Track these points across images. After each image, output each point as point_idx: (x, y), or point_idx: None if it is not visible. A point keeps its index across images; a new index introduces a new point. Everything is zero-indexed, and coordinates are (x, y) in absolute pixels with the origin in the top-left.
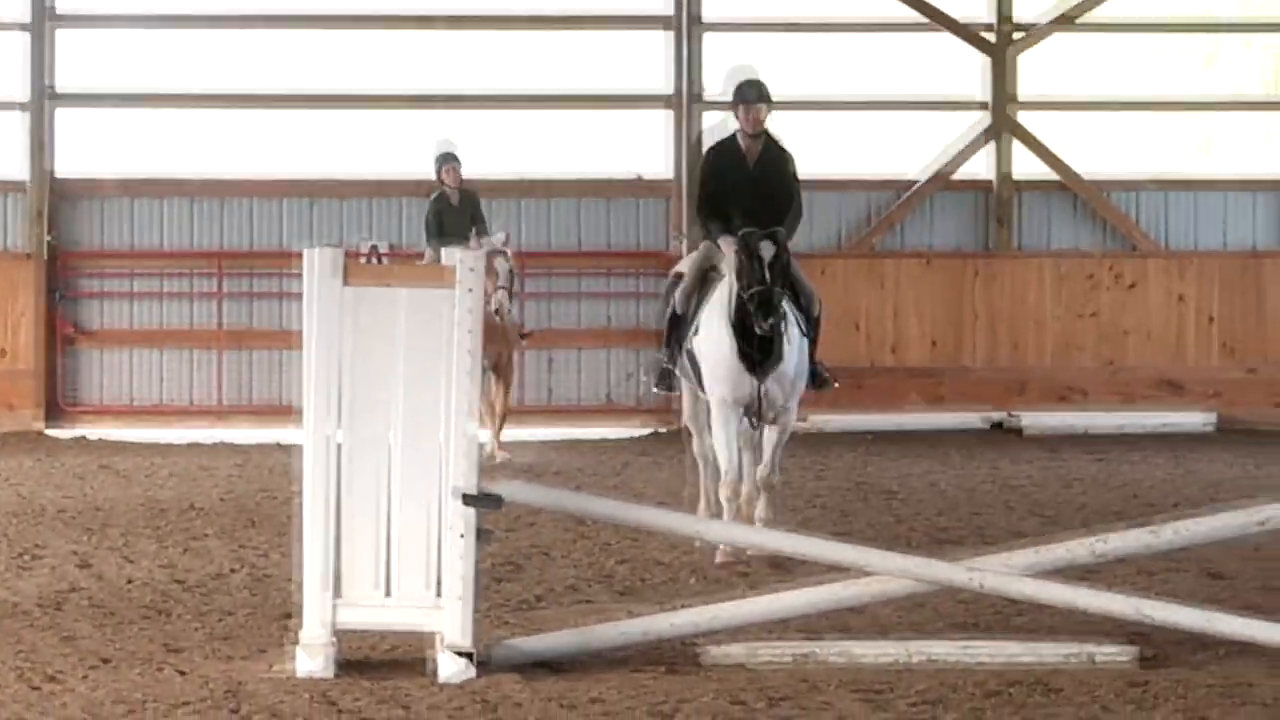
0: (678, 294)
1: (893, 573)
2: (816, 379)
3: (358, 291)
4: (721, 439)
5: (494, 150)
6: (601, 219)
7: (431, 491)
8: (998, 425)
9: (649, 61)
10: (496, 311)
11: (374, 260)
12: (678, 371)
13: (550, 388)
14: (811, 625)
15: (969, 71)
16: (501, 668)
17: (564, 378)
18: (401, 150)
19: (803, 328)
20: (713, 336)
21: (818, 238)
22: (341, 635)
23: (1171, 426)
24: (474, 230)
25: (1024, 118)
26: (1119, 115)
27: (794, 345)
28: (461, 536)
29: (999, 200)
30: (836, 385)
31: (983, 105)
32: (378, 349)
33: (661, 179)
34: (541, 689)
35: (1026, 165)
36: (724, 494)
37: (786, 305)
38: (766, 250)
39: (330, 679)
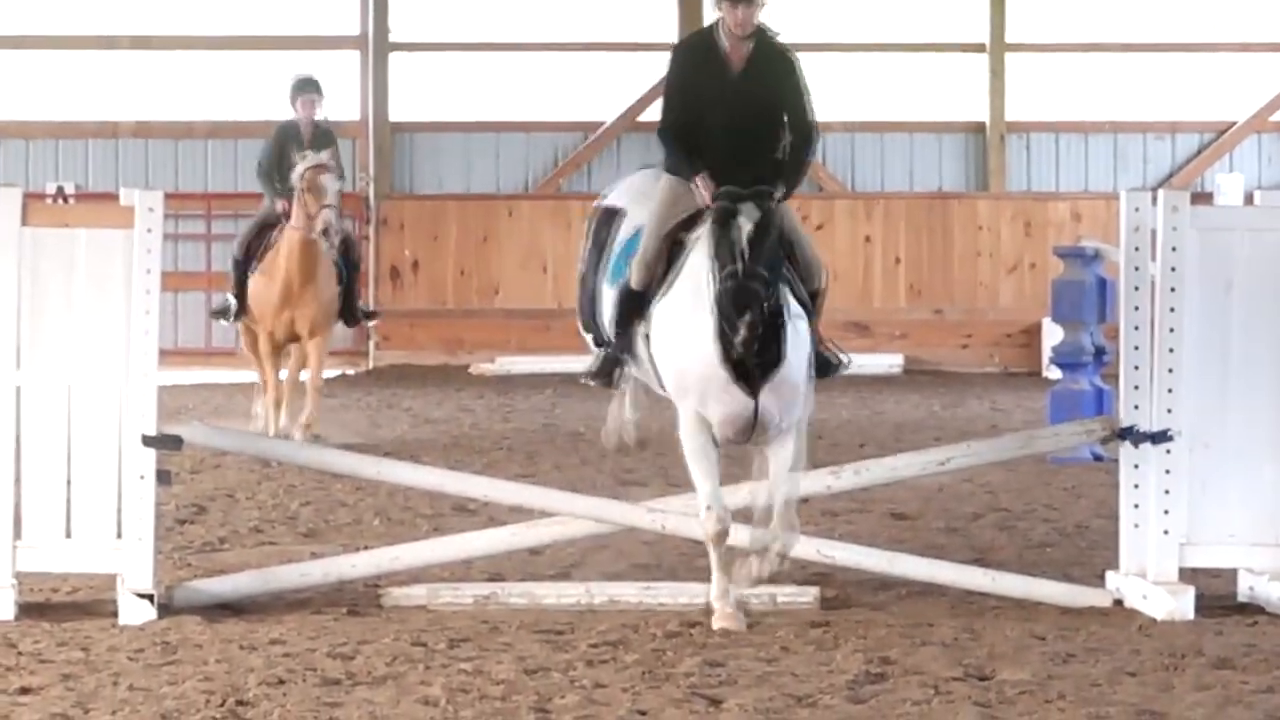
0: (635, 262)
1: (575, 514)
2: (823, 364)
3: (36, 233)
4: (699, 465)
5: (180, 93)
6: None
7: (112, 433)
8: None
9: (339, 3)
10: (324, 233)
11: (60, 202)
12: (630, 365)
13: (238, 330)
14: (495, 567)
15: (660, 14)
16: (183, 609)
17: None
18: (87, 92)
19: (806, 305)
20: (685, 329)
21: (504, 180)
22: (22, 578)
23: (858, 368)
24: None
25: None
26: (810, 58)
27: (797, 339)
28: (142, 478)
29: None
30: (847, 366)
31: (668, 47)
32: (57, 291)
33: (349, 120)
34: (223, 630)
35: None
36: (708, 536)
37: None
38: (746, 220)
39: (10, 621)
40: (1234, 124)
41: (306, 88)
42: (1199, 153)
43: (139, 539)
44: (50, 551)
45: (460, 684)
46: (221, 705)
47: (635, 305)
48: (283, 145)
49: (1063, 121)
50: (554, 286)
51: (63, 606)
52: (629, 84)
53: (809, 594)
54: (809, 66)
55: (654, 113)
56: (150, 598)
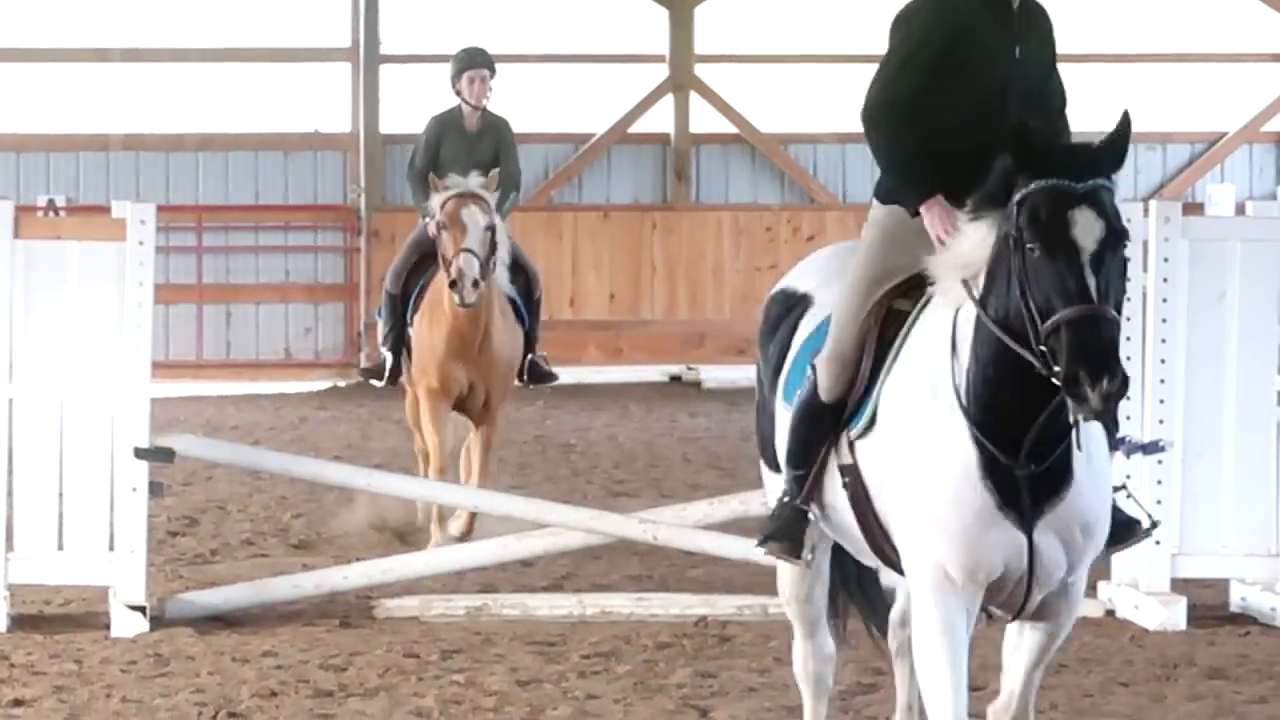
0: (824, 360)
1: (567, 525)
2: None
3: (28, 245)
4: (946, 671)
5: (172, 105)
6: (279, 173)
7: (104, 446)
8: (676, 378)
9: (329, 15)
10: (453, 285)
11: (52, 214)
12: (819, 521)
13: (229, 342)
14: (487, 579)
15: (651, 26)
16: (175, 621)
17: (242, 332)
18: (78, 104)
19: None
20: (924, 437)
21: None
22: (14, 590)
23: None
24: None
25: (705, 72)
26: (799, 69)
27: (1093, 450)
28: (134, 490)
29: (677, 154)
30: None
31: (661, 59)
32: (48, 303)
33: (340, 133)
34: (215, 642)
35: (707, 120)
36: None
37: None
38: (1090, 225)
39: (2, 633)
40: (1225, 134)
41: (476, 59)
42: (1190, 163)
43: (131, 551)
44: (42, 563)
45: (453, 695)
46: (214, 717)
47: (824, 425)
48: (438, 141)
49: None
50: (544, 298)
51: (55, 618)
52: (619, 96)
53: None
54: (801, 77)
55: (644, 125)
56: (142, 610)
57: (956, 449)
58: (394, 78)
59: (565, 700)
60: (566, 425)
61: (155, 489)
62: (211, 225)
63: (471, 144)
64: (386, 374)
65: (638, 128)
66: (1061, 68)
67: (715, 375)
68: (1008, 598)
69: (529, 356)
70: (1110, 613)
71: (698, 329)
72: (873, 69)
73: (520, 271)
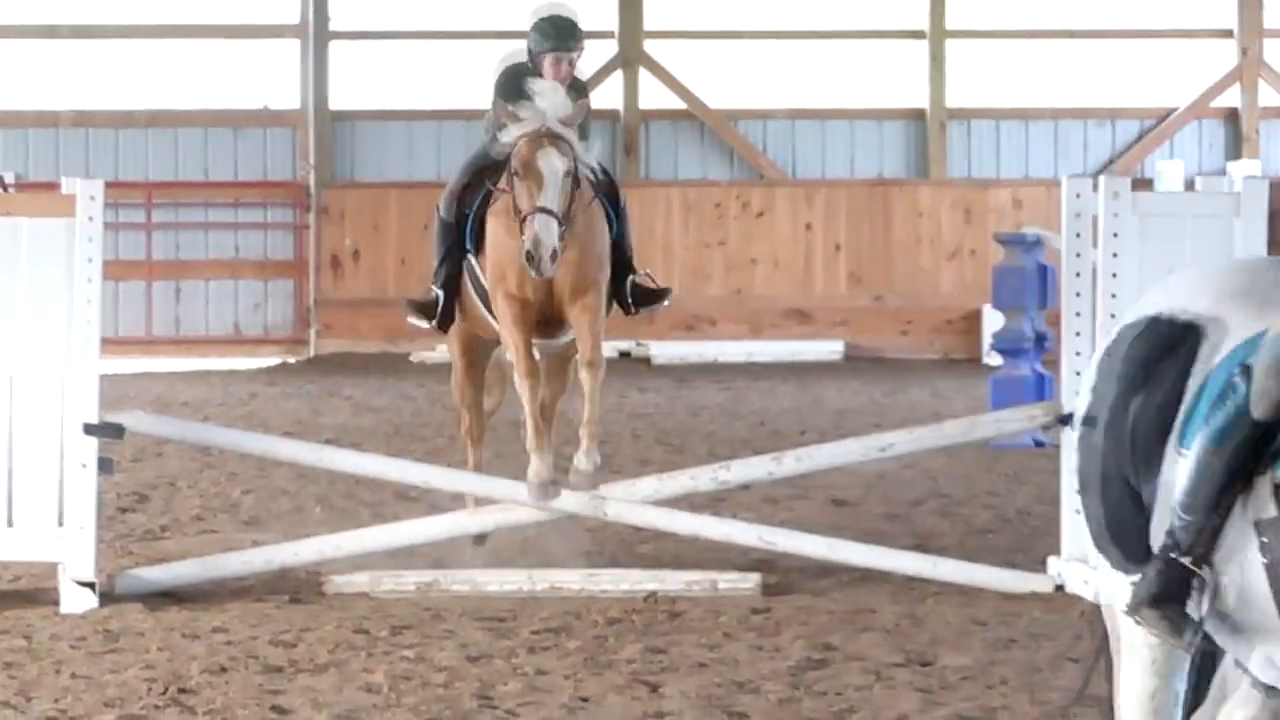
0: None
1: (517, 501)
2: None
3: None
4: None
5: (122, 82)
6: (228, 149)
7: (54, 421)
8: (625, 354)
9: None
10: (529, 257)
11: (1, 191)
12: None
13: (178, 318)
14: (437, 554)
15: (600, 2)
16: (125, 598)
17: (191, 308)
18: (27, 81)
19: None
20: None
21: (446, 168)
22: None
23: (799, 355)
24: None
25: (654, 48)
26: (749, 45)
27: None
28: (84, 466)
29: (626, 130)
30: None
31: (611, 35)
32: None
33: (289, 109)
34: (165, 618)
35: (656, 96)
36: None
37: None
38: None
39: None
40: (1174, 110)
41: (566, 38)
42: (1139, 139)
43: (80, 527)
44: None
45: (403, 671)
46: (164, 693)
47: (1241, 457)
48: (515, 88)
49: (1003, 108)
50: None
51: (4, 594)
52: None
53: (750, 580)
54: (751, 53)
55: (593, 101)
56: (92, 586)
57: None
58: (343, 54)
59: (515, 676)
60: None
61: (105, 465)
62: (161, 202)
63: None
64: (438, 314)
65: None
66: (1014, 43)
67: (665, 351)
68: None
69: (630, 278)
70: (1060, 588)
71: None
72: (823, 44)
73: (610, 183)
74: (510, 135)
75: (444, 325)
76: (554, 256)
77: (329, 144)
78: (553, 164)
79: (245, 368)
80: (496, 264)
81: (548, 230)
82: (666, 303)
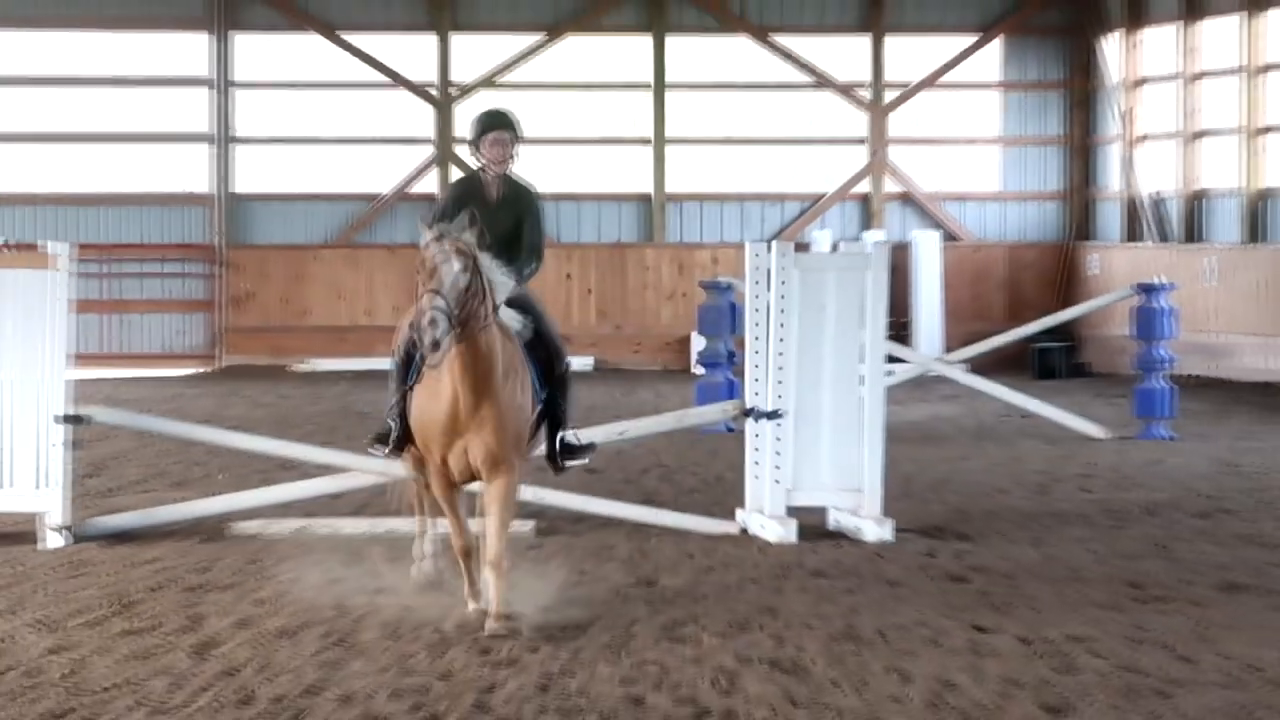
0: None
1: (364, 471)
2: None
3: None
4: None
5: (84, 173)
6: (159, 221)
7: (37, 413)
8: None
9: (194, 109)
10: (415, 329)
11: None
12: None
13: (123, 340)
14: (308, 508)
15: (422, 118)
16: (88, 538)
17: (133, 333)
18: (16, 172)
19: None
20: None
21: (313, 235)
22: None
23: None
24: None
25: (464, 150)
26: (531, 149)
27: None
28: (58, 445)
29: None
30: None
31: (430, 141)
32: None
33: (204, 192)
34: (116, 553)
35: None
36: None
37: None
38: None
39: None
40: (824, 195)
41: (498, 121)
42: (800, 215)
43: (56, 487)
44: None
45: (283, 589)
46: (115, 605)
47: None
48: (461, 204)
49: (705, 193)
50: (347, 310)
51: (3, 536)
52: (398, 166)
53: (528, 525)
54: (532, 157)
55: (421, 186)
56: (64, 529)
57: None
58: (242, 154)
59: (362, 593)
60: (363, 399)
61: (74, 444)
62: (110, 259)
63: (491, 214)
64: (391, 442)
65: (412, 188)
66: (713, 147)
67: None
68: None
69: (560, 435)
70: (744, 531)
71: None
72: (576, 149)
73: (541, 344)
74: (423, 238)
75: (398, 450)
76: (443, 337)
77: (234, 216)
78: (450, 261)
79: (172, 375)
80: (420, 430)
81: (433, 304)
82: (588, 459)
